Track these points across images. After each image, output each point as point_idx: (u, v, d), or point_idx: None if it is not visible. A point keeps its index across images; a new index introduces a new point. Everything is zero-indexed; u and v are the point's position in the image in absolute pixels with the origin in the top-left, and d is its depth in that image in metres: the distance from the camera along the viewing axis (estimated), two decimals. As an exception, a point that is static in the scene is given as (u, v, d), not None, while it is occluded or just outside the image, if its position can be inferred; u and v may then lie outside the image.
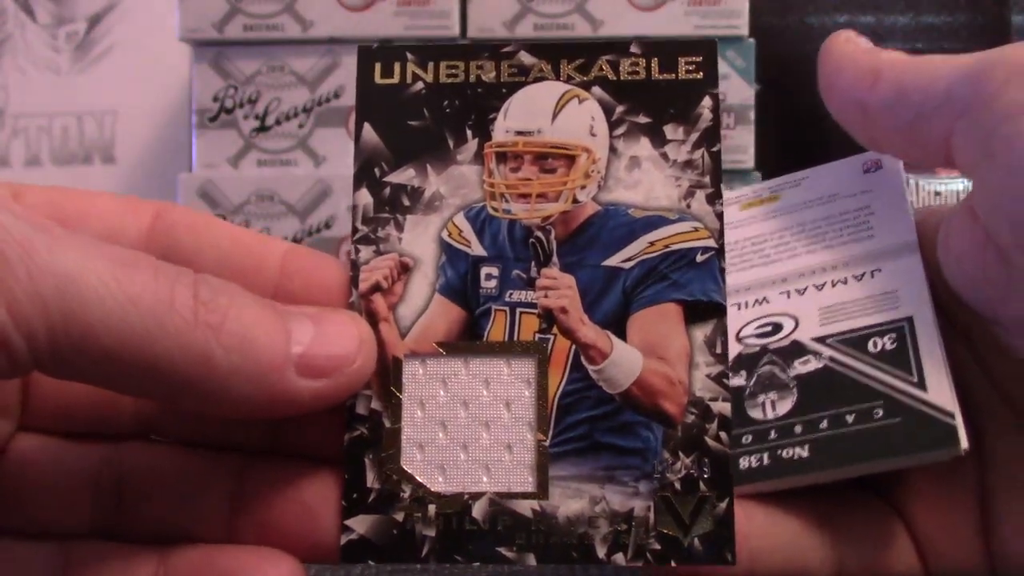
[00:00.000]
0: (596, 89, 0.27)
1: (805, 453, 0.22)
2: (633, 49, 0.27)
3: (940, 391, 0.21)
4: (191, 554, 0.23)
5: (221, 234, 0.25)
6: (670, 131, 0.26)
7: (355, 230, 0.26)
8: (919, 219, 0.26)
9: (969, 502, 0.23)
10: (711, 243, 0.24)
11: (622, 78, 0.26)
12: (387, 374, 0.24)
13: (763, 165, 0.85)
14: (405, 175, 0.26)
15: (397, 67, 0.27)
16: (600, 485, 0.23)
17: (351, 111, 0.83)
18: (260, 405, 0.21)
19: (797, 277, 0.26)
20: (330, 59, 0.84)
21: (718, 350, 0.23)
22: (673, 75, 0.26)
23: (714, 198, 0.25)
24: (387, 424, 0.24)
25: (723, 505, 0.22)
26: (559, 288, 0.24)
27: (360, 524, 0.23)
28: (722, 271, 0.24)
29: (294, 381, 0.21)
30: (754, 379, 0.24)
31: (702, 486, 0.22)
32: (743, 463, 0.22)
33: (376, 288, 0.25)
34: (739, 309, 0.26)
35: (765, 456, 0.22)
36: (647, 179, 0.25)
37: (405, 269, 0.25)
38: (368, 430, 0.24)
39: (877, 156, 0.28)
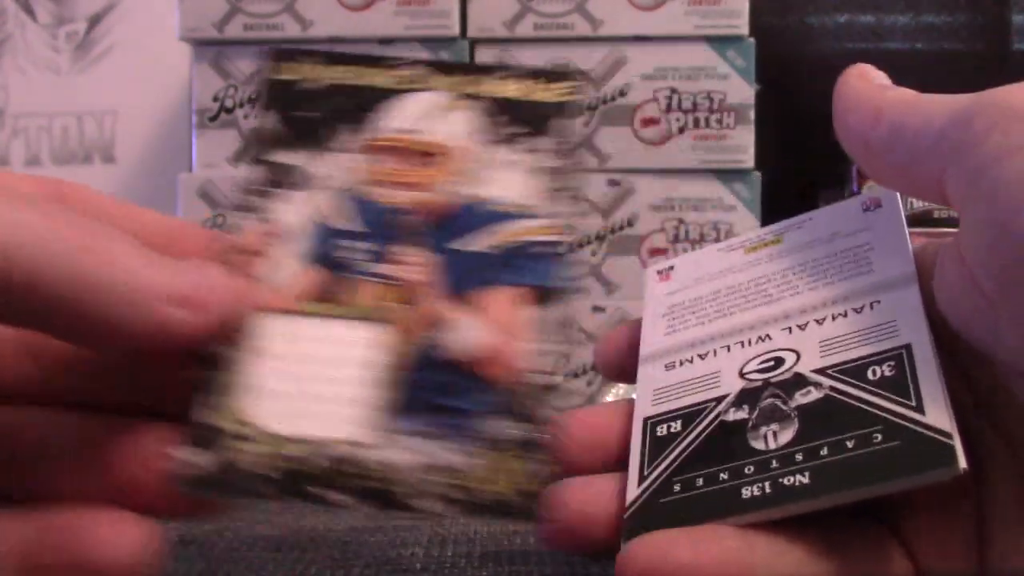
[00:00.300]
0: (477, 102, 0.30)
1: (806, 480, 0.22)
2: (515, 72, 0.31)
3: (938, 414, 0.22)
4: (39, 517, 0.24)
5: (105, 204, 0.27)
6: (538, 143, 0.30)
7: (238, 200, 0.28)
8: (918, 250, 0.27)
9: (968, 534, 0.23)
10: (562, 238, 0.28)
11: (503, 95, 0.30)
12: (244, 325, 0.26)
13: (763, 165, 0.85)
14: (293, 157, 0.29)
15: (302, 66, 0.31)
16: (437, 442, 0.25)
17: (351, 111, 0.83)
18: (133, 332, 0.23)
19: (799, 313, 0.27)
20: (330, 59, 0.84)
21: (555, 330, 0.26)
22: (548, 96, 0.30)
23: (572, 200, 0.28)
24: (236, 372, 0.26)
25: (544, 467, 0.24)
26: (418, 265, 0.27)
27: (202, 460, 0.25)
28: (568, 262, 0.27)
29: (166, 309, 0.23)
30: (756, 412, 0.24)
31: (528, 449, 0.24)
32: (745, 492, 0.22)
33: (246, 251, 0.28)
34: (743, 347, 0.27)
35: (767, 485, 0.22)
36: (513, 180, 0.29)
37: (275, 237, 0.28)
38: (219, 376, 0.26)
39: (877, 195, 0.29)
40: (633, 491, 0.24)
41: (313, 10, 0.83)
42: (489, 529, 0.35)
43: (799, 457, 0.22)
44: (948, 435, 0.21)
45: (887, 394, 0.23)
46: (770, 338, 0.27)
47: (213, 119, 0.85)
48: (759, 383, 0.25)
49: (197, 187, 0.83)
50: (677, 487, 0.23)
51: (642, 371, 0.29)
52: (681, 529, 0.22)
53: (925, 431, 0.21)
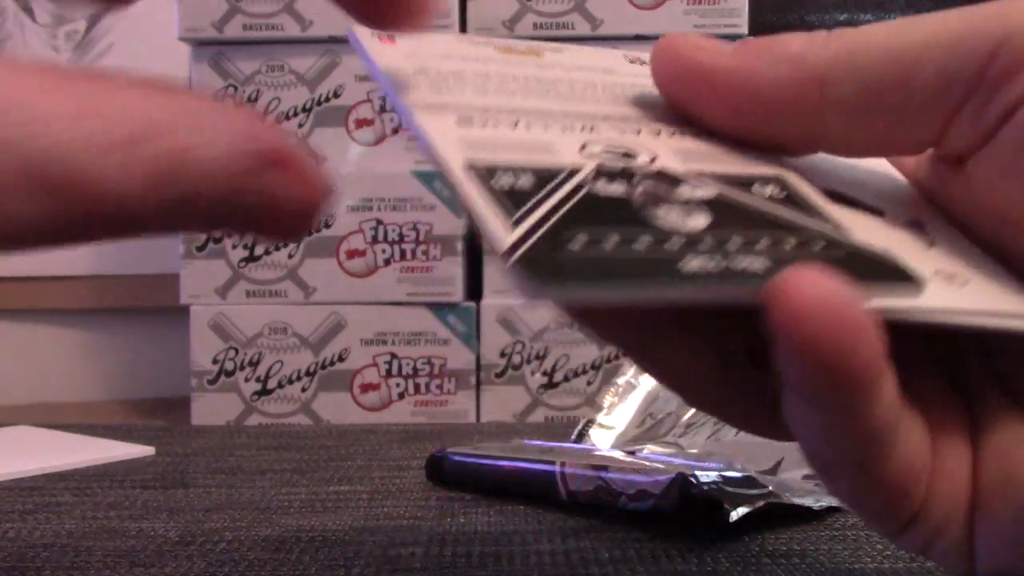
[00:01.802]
0: None
1: (769, 264, 0.18)
2: None
3: (867, 234, 0.19)
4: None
5: None
6: None
7: None
8: None
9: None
10: None
11: None
12: None
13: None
14: None
15: None
16: None
17: (351, 110, 0.83)
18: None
19: (622, 120, 0.21)
20: (329, 58, 0.84)
21: None
22: None
23: None
24: None
25: None
26: None
27: None
28: None
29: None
30: (639, 192, 0.19)
31: None
32: (686, 266, 0.17)
33: None
34: (566, 130, 0.21)
35: (713, 262, 0.18)
36: None
37: None
38: None
39: (639, 55, 0.24)
40: (506, 236, 0.17)
41: (312, 9, 0.83)
42: (489, 529, 0.35)
43: (741, 242, 0.18)
44: (892, 255, 0.19)
45: (794, 211, 0.19)
46: (597, 131, 0.21)
47: (213, 119, 0.85)
48: (618, 167, 0.20)
49: (197, 187, 0.83)
50: (575, 245, 0.18)
51: (420, 116, 0.21)
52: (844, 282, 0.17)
53: (866, 250, 0.19)
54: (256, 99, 0.84)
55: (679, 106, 0.21)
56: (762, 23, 1.05)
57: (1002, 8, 0.20)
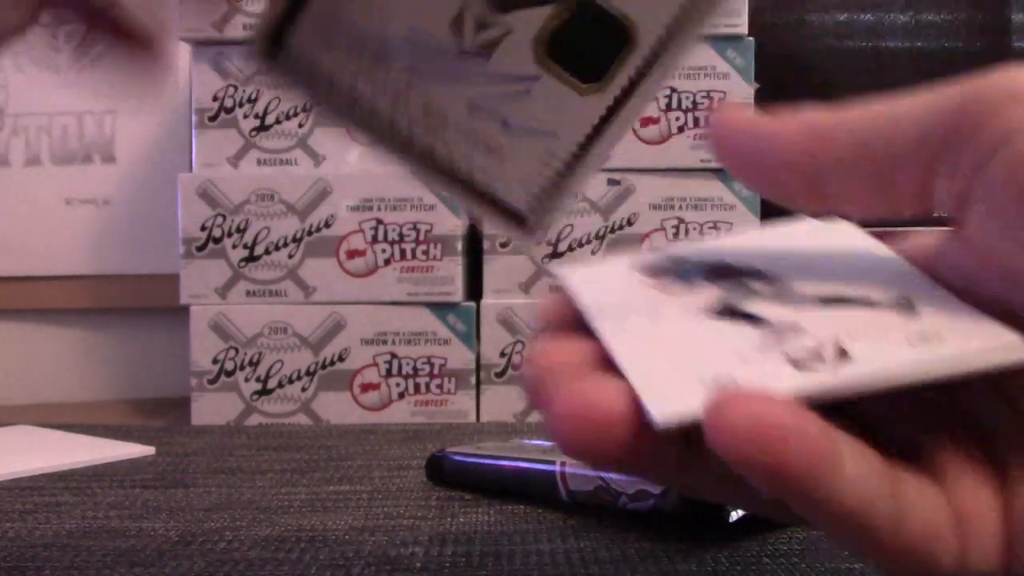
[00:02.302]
0: None
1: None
2: None
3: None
4: None
5: None
6: None
7: None
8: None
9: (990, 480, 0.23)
10: None
11: None
12: None
13: (763, 164, 0.85)
14: None
15: None
16: None
17: (351, 110, 0.83)
18: None
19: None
20: (330, 58, 0.84)
21: None
22: None
23: None
24: None
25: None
26: None
27: None
28: None
29: None
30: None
31: None
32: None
33: None
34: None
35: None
36: None
37: None
38: None
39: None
40: None
41: (313, 9, 0.83)
42: (489, 529, 0.35)
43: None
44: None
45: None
46: None
47: (213, 119, 0.85)
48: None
49: (197, 186, 0.83)
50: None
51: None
52: (768, 393, 0.19)
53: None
54: (256, 99, 0.84)
55: (738, 170, 0.24)
56: (762, 23, 1.05)
57: (974, 80, 0.22)
